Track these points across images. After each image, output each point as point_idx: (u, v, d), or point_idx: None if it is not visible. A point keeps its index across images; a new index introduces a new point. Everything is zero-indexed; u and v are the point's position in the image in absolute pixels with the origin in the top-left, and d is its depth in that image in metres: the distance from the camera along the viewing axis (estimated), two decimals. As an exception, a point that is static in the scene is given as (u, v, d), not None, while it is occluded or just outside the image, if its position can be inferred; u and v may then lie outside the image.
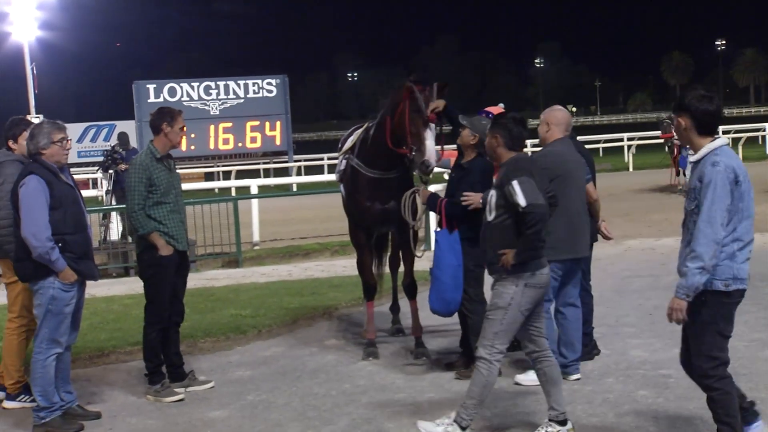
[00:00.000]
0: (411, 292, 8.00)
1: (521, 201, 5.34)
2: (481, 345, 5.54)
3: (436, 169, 7.67)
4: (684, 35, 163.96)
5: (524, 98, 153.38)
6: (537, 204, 5.35)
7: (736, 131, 36.49)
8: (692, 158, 4.96)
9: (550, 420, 5.56)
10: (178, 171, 7.28)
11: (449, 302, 6.86)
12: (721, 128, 38.27)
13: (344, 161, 8.18)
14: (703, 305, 4.81)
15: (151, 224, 6.84)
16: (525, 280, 5.44)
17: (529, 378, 6.57)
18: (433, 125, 7.22)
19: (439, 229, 7.02)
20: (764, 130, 36.35)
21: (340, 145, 8.51)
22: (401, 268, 8.28)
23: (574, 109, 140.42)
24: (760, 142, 35.05)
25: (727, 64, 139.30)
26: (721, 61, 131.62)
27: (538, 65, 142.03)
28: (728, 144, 5.00)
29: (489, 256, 5.62)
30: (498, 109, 7.78)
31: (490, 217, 5.59)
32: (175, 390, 6.91)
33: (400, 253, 8.34)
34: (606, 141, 38.21)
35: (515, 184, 5.38)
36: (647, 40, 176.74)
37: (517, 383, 6.74)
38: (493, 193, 5.60)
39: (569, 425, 5.57)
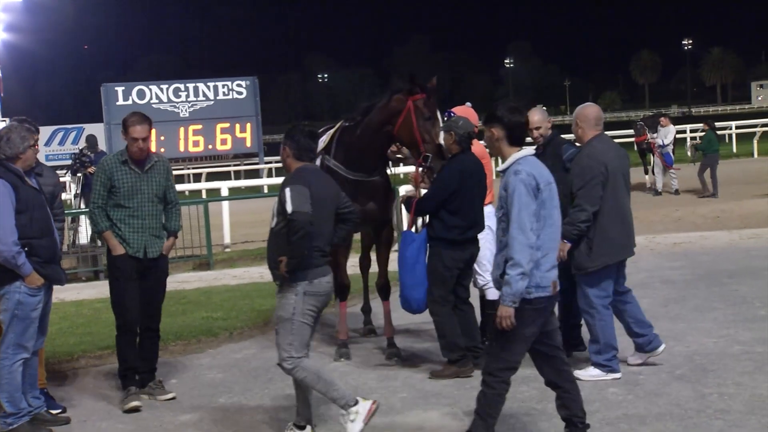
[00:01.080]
0: (384, 293, 8.02)
1: (288, 207, 5.49)
2: (282, 359, 5.70)
3: None
4: (652, 35, 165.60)
5: (495, 98, 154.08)
6: (301, 212, 5.46)
7: (703, 130, 36.84)
8: (499, 168, 5.20)
9: (293, 423, 5.86)
10: (158, 177, 6.91)
11: (408, 301, 7.06)
12: (688, 127, 38.67)
13: (318, 161, 8.16)
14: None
15: (106, 223, 6.78)
16: (303, 288, 5.57)
17: (589, 374, 6.65)
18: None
19: (406, 229, 7.19)
20: (730, 129, 36.74)
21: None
22: (373, 269, 8.29)
23: (544, 108, 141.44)
24: (727, 140, 35.39)
25: (694, 63, 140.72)
26: (688, 60, 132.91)
27: (508, 65, 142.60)
28: (533, 154, 5.21)
29: (270, 263, 5.76)
30: (464, 108, 7.83)
31: (272, 224, 5.71)
32: (133, 399, 6.72)
33: (372, 255, 8.35)
34: (576, 140, 38.35)
35: (287, 191, 5.55)
36: (616, 39, 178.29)
37: (577, 379, 6.76)
38: (275, 201, 5.73)
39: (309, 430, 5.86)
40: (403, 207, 7.62)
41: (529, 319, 5.01)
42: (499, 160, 5.27)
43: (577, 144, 7.23)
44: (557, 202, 5.10)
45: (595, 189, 6.54)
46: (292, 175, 5.73)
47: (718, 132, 37.54)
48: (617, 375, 6.67)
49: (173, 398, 6.91)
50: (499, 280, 5.03)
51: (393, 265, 8.00)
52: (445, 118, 7.91)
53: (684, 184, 20.69)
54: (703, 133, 21.17)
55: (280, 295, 5.67)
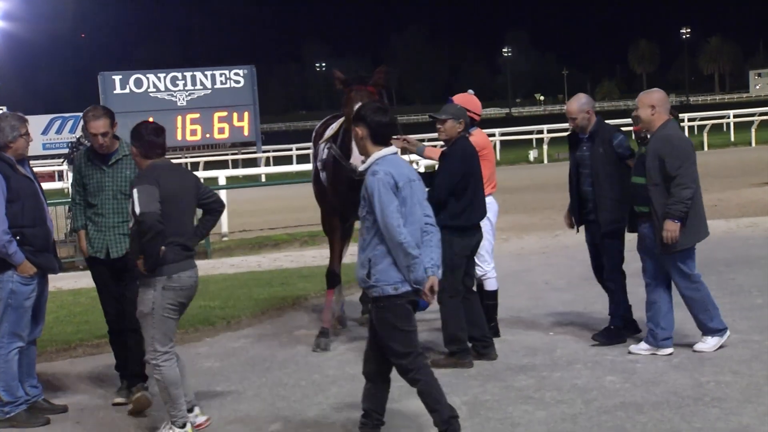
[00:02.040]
0: None
1: (137, 209, 5.46)
2: (147, 352, 5.72)
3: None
4: (650, 24, 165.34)
5: (492, 87, 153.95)
6: (149, 212, 5.42)
7: (701, 119, 36.87)
8: (362, 167, 5.31)
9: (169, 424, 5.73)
10: (126, 172, 6.45)
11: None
12: (686, 116, 38.73)
13: (326, 150, 8.16)
14: (384, 310, 5.17)
15: (81, 222, 6.59)
16: (162, 284, 5.56)
17: (709, 344, 6.86)
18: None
19: None
20: (728, 118, 36.75)
21: (315, 135, 8.52)
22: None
23: (542, 98, 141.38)
24: (725, 129, 35.43)
25: (692, 52, 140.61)
26: (686, 49, 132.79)
27: (506, 54, 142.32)
28: (397, 153, 5.32)
29: (129, 261, 5.75)
30: (465, 96, 7.77)
31: (131, 223, 5.68)
32: (121, 394, 6.62)
33: None
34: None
35: (135, 191, 5.51)
36: (614, 29, 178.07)
37: (696, 351, 6.89)
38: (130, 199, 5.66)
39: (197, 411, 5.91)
40: None
41: (402, 311, 5.16)
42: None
43: (631, 129, 7.45)
44: (419, 198, 5.21)
45: (693, 167, 6.79)
46: (139, 174, 5.72)
47: (717, 121, 37.66)
48: (728, 334, 6.96)
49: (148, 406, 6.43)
50: (366, 280, 5.14)
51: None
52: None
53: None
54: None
55: (141, 290, 5.65)
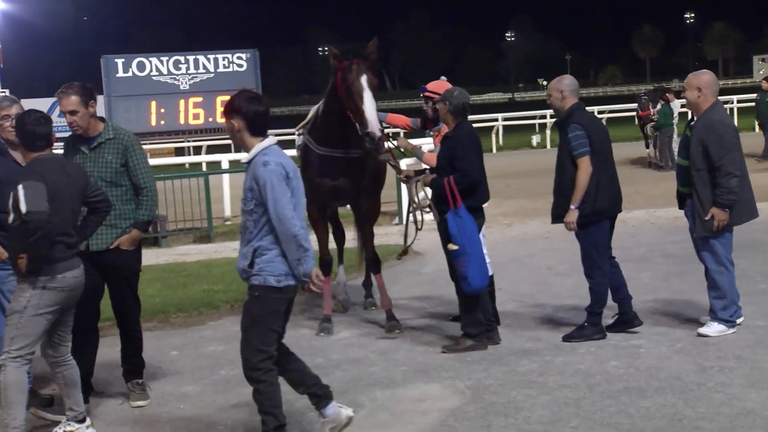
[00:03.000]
0: (374, 266, 8.14)
1: (22, 207, 5.09)
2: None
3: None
4: (654, 9, 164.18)
5: (495, 72, 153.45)
6: (36, 211, 5.06)
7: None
8: (244, 159, 5.08)
9: (68, 420, 5.52)
10: (109, 156, 6.06)
11: (486, 273, 6.95)
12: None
13: (300, 137, 8.23)
14: (256, 300, 5.00)
15: None
16: (43, 283, 5.20)
17: (714, 329, 6.90)
18: (369, 94, 7.15)
19: (452, 209, 6.85)
20: (732, 103, 36.64)
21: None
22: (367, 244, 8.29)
23: (545, 83, 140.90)
24: (729, 114, 35.28)
25: (696, 38, 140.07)
26: (690, 34, 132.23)
27: (509, 39, 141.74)
28: (276, 143, 5.12)
29: (9, 258, 5.46)
30: (438, 83, 7.92)
31: (11, 219, 5.24)
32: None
33: (360, 230, 8.37)
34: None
35: (20, 188, 5.12)
36: (618, 14, 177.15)
37: (700, 334, 6.93)
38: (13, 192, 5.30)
39: (88, 422, 5.58)
40: (425, 189, 7.44)
41: (277, 306, 5.02)
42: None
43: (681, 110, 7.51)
44: (303, 189, 5.09)
45: (737, 153, 6.83)
46: (24, 169, 5.36)
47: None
48: (735, 329, 6.96)
49: (143, 406, 6.17)
50: (248, 270, 4.96)
51: (391, 238, 8.01)
52: (421, 94, 8.08)
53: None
54: (660, 108, 21.22)
55: (18, 288, 5.28)
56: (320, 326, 7.89)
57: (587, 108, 7.42)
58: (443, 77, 8.21)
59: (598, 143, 6.92)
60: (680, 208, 7.28)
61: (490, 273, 7.45)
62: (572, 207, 6.86)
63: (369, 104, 7.10)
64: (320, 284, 5.09)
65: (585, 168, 6.83)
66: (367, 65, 7.33)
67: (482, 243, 6.95)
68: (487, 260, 7.16)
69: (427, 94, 7.99)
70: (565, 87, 7.08)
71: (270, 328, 5.03)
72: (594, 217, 6.93)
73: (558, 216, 7.07)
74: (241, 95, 5.04)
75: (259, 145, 4.99)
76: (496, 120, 35.35)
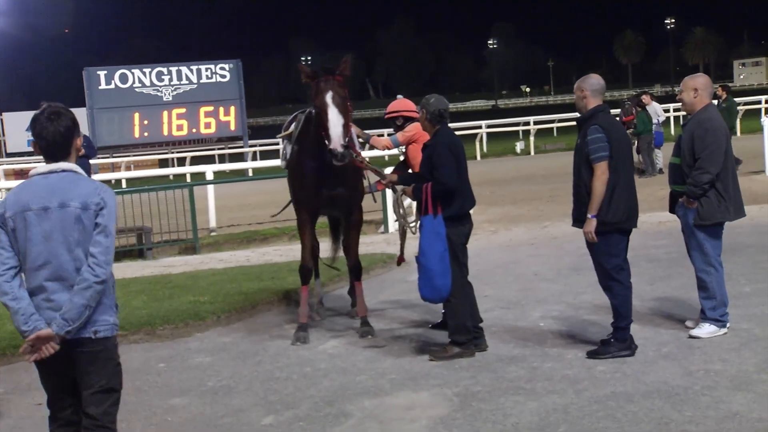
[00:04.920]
0: (356, 273, 8.22)
1: None
2: None
3: (383, 153, 7.91)
4: (635, 15, 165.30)
5: (479, 79, 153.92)
6: None
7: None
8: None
9: None
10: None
11: (439, 289, 6.81)
12: (671, 106, 38.62)
13: (289, 146, 8.28)
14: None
15: None
16: None
17: (706, 331, 6.99)
18: (334, 111, 7.25)
19: (423, 216, 6.88)
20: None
21: (283, 130, 8.57)
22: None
23: (528, 89, 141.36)
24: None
25: (677, 43, 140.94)
26: (671, 40, 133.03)
27: (491, 46, 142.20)
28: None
29: None
30: (400, 101, 8.38)
31: None
32: None
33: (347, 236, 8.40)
34: (560, 120, 38.53)
35: None
36: (599, 20, 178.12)
37: (692, 336, 7.01)
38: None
39: None
40: (401, 197, 7.47)
41: None
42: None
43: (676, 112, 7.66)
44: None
45: (720, 152, 6.90)
46: None
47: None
48: (726, 330, 7.05)
49: None
50: None
51: (378, 247, 8.02)
52: (384, 117, 8.51)
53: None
54: (638, 112, 21.35)
55: None
56: (295, 335, 7.91)
57: (575, 115, 7.37)
58: (399, 96, 8.64)
59: (616, 149, 6.58)
60: (671, 211, 7.26)
61: (446, 294, 6.91)
62: (589, 215, 6.56)
63: (333, 120, 7.23)
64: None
65: (601, 174, 6.51)
66: (336, 81, 7.39)
67: (441, 259, 6.76)
68: (444, 280, 6.78)
69: (388, 116, 8.48)
70: (587, 86, 6.76)
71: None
72: (604, 227, 6.59)
73: (578, 220, 6.83)
74: (40, 115, 4.60)
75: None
76: (480, 127, 35.48)
